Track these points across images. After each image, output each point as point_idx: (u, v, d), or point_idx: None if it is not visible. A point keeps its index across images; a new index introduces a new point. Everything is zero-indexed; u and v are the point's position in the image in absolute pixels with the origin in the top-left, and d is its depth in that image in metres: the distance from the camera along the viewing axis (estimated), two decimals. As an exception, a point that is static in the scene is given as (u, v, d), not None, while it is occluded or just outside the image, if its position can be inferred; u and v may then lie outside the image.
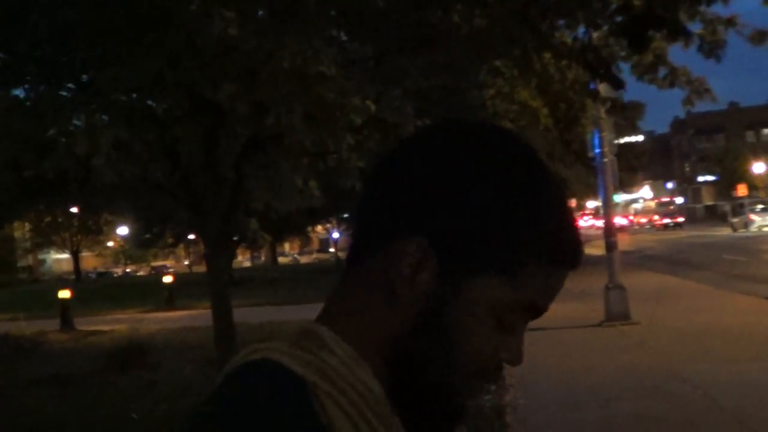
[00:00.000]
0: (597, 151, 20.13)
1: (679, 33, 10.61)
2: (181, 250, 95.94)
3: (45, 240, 75.73)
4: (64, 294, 26.26)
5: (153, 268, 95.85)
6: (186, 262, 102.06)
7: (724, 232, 72.21)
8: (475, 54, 12.89)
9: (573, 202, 58.16)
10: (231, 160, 13.11)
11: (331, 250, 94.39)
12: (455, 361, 1.13)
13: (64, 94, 12.87)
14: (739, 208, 78.44)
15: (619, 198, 78.96)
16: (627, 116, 32.93)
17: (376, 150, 13.49)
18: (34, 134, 10.97)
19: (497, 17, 10.53)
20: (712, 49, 11.91)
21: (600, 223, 38.46)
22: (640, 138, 68.61)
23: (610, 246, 19.59)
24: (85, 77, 12.99)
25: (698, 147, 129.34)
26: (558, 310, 1.30)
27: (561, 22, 11.75)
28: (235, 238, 41.55)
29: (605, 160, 19.90)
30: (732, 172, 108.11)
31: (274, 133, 11.71)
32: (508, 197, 1.12)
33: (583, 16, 10.63)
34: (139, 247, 76.10)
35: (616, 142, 21.98)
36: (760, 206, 74.72)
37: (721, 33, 12.25)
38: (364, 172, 13.67)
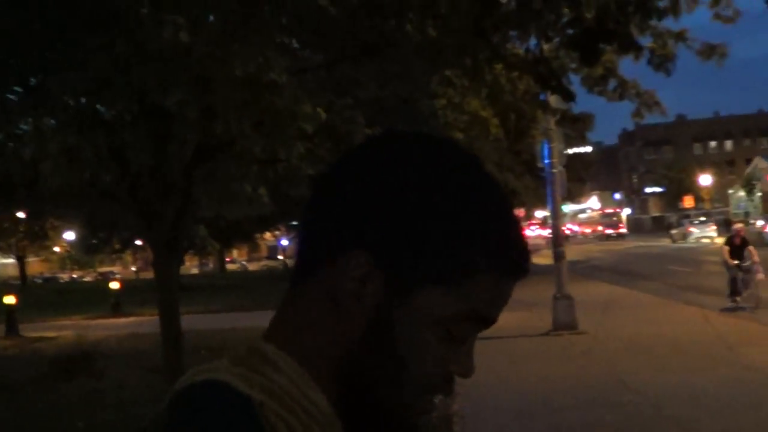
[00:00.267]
0: (546, 161, 20.24)
1: (630, 46, 10.70)
2: (128, 256, 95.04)
3: (-10, 245, 74.70)
4: (9, 300, 25.85)
5: (99, 273, 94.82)
6: (133, 268, 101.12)
7: (666, 242, 73.80)
8: (427, 63, 12.91)
9: (521, 212, 58.50)
10: (180, 167, 13.00)
11: (280, 257, 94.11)
12: (404, 375, 1.11)
13: (12, 98, 12.69)
14: (685, 219, 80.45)
15: (567, 208, 79.54)
16: (577, 127, 33.20)
17: (327, 158, 13.46)
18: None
19: (450, 28, 10.55)
20: (661, 62, 12.04)
21: (546, 232, 38.76)
22: (589, 149, 69.28)
23: (558, 256, 19.72)
24: (33, 81, 12.83)
25: (646, 158, 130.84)
26: (506, 319, 1.28)
27: (513, 33, 11.81)
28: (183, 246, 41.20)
29: (554, 170, 20.02)
30: (679, 184, 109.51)
31: (224, 140, 11.64)
32: (449, 209, 1.10)
33: (535, 28, 10.68)
34: (85, 252, 75.17)
35: (565, 152, 22.14)
36: (701, 218, 76.93)
37: (671, 47, 12.40)
38: (314, 180, 13.65)
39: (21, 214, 47.45)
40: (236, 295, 37.15)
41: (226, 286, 46.31)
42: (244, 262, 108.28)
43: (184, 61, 9.75)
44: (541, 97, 15.51)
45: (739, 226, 25.03)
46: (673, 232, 78.49)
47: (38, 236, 72.60)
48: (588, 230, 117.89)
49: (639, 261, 48.86)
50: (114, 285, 35.38)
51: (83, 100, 11.79)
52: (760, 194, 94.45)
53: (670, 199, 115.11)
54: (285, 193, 15.62)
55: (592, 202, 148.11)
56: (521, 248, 1.15)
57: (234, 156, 12.92)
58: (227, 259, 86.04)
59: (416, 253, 1.09)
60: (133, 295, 35.19)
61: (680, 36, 12.59)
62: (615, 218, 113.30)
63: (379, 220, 1.10)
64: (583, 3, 10.06)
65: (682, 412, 10.40)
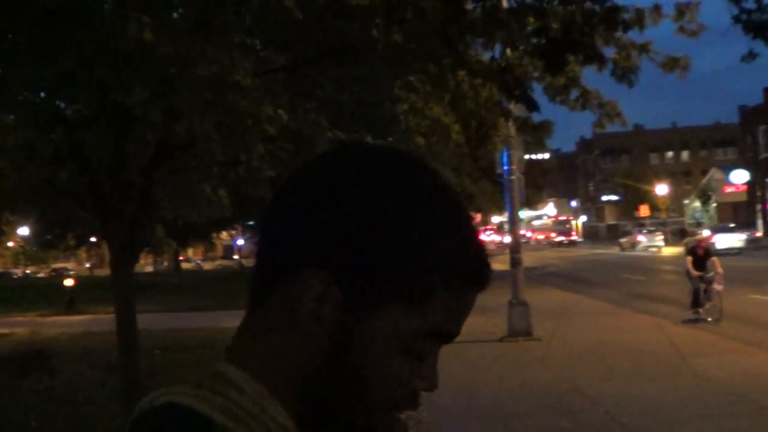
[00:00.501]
0: (505, 168, 20.29)
1: (594, 57, 10.77)
2: (82, 253, 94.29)
3: (-59, 240, 73.81)
4: (-39, 295, 25.57)
5: (53, 270, 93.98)
6: (87, 265, 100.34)
7: (615, 250, 74.89)
8: (391, 68, 12.92)
9: (478, 218, 58.73)
10: (140, 166, 12.90)
11: (236, 256, 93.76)
12: (367, 394, 1.10)
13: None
14: (640, 228, 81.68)
15: (524, 214, 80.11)
16: (536, 135, 33.38)
17: (288, 160, 13.42)
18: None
19: (415, 33, 10.57)
20: (624, 73, 12.13)
21: (500, 238, 38.92)
22: (547, 156, 69.82)
23: (515, 262, 19.81)
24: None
25: (603, 167, 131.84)
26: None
27: (478, 41, 11.85)
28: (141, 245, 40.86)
29: (513, 177, 20.09)
30: (635, 193, 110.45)
31: (184, 141, 11.57)
32: (406, 225, 1.08)
33: (501, 36, 10.72)
34: (39, 248, 74.53)
35: (524, 159, 22.24)
36: (649, 228, 78.25)
37: (634, 58, 12.49)
38: (275, 182, 13.60)
39: (-26, 209, 46.87)
40: (192, 295, 36.97)
41: (181, 285, 46.03)
42: (199, 261, 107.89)
43: (147, 59, 9.68)
44: (504, 105, 15.55)
45: (702, 236, 25.07)
46: (622, 240, 79.61)
47: (-8, 231, 71.77)
48: (541, 236, 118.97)
49: (593, 268, 49.25)
50: (68, 282, 35.08)
51: (43, 96, 11.68)
52: (715, 205, 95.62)
53: (627, 207, 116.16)
54: (241, 193, 15.52)
55: (549, 209, 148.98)
56: (481, 261, 1.14)
57: (194, 157, 12.84)
58: (181, 258, 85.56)
59: (373, 271, 1.08)
60: (87, 293, 34.86)
61: (644, 48, 12.69)
62: (568, 226, 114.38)
63: (335, 237, 1.09)
64: (549, 13, 10.13)
65: (635, 420, 10.50)
